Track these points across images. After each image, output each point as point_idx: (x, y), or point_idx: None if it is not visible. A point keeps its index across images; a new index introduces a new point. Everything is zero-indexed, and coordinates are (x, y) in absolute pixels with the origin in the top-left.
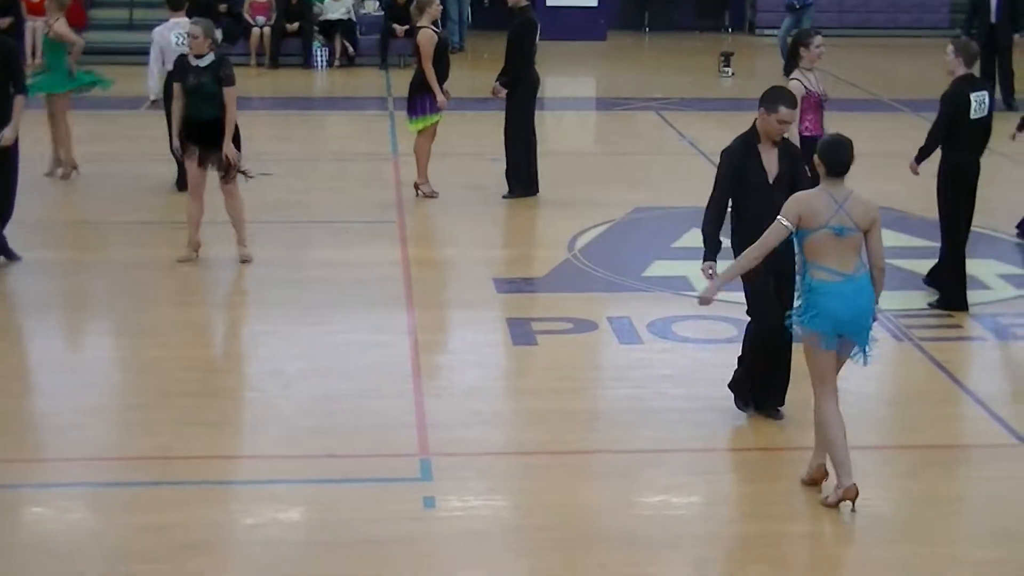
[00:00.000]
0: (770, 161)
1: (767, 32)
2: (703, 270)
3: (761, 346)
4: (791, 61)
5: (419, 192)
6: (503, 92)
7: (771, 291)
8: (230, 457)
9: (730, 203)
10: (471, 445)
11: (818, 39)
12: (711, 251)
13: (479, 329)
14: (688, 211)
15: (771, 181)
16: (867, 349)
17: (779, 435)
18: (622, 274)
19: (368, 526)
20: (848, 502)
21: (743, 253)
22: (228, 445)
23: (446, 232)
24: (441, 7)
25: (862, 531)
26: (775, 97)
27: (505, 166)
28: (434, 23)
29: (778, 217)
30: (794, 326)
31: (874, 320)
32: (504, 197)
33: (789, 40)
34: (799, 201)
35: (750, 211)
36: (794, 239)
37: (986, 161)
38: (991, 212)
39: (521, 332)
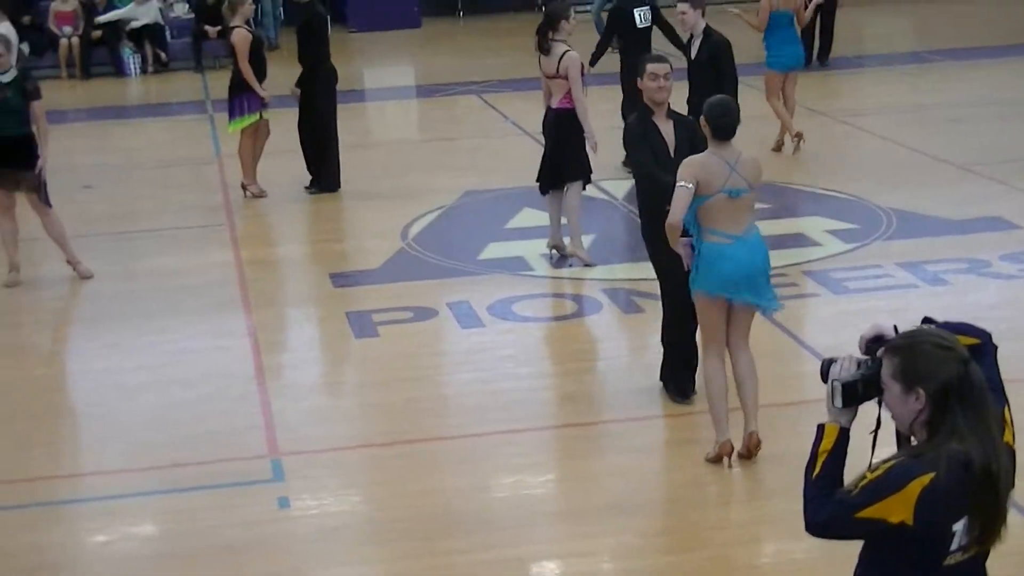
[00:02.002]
0: (668, 133)
1: (580, 8)
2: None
3: (679, 320)
4: (551, 32)
5: (247, 192)
6: (296, 93)
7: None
8: (75, 475)
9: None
10: (321, 442)
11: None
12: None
13: (319, 325)
14: (518, 191)
15: (672, 153)
16: (774, 304)
17: (630, 406)
18: (458, 259)
19: (223, 532)
20: (725, 458)
21: (666, 227)
22: (72, 463)
23: (278, 231)
24: (254, 5)
25: (714, 495)
26: (641, 63)
27: (308, 161)
28: (247, 21)
29: (678, 184)
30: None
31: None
32: (307, 190)
33: (603, 16)
34: (694, 165)
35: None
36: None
37: (802, 119)
38: (811, 170)
39: (362, 325)
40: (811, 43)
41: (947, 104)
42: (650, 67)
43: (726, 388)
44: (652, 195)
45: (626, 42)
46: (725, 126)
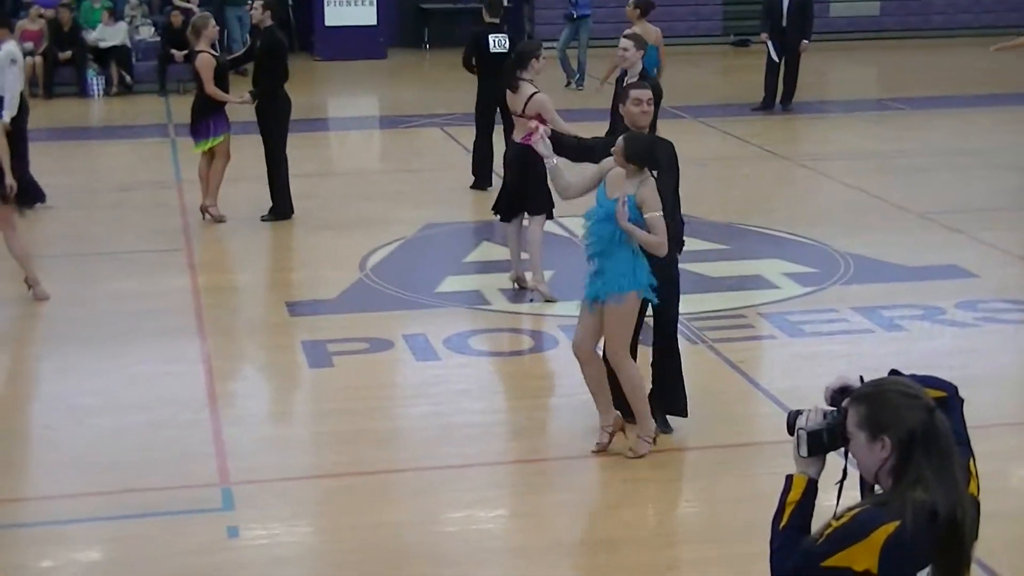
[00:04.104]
0: None
1: (547, 44)
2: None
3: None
4: (520, 71)
5: (207, 215)
6: (249, 99)
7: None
8: (23, 499)
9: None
10: (272, 471)
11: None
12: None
13: (274, 353)
14: (478, 226)
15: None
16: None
17: (582, 443)
18: (415, 291)
19: (171, 560)
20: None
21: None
22: (20, 487)
23: (236, 257)
24: (217, 29)
25: (665, 534)
26: (624, 89)
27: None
28: (212, 45)
29: (656, 214)
30: (612, 295)
31: None
32: (263, 219)
33: (567, 52)
34: (656, 190)
35: None
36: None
37: (763, 162)
38: (770, 212)
39: (317, 354)
40: (775, 87)
41: (909, 152)
42: (633, 93)
43: None
44: None
45: (480, 67)
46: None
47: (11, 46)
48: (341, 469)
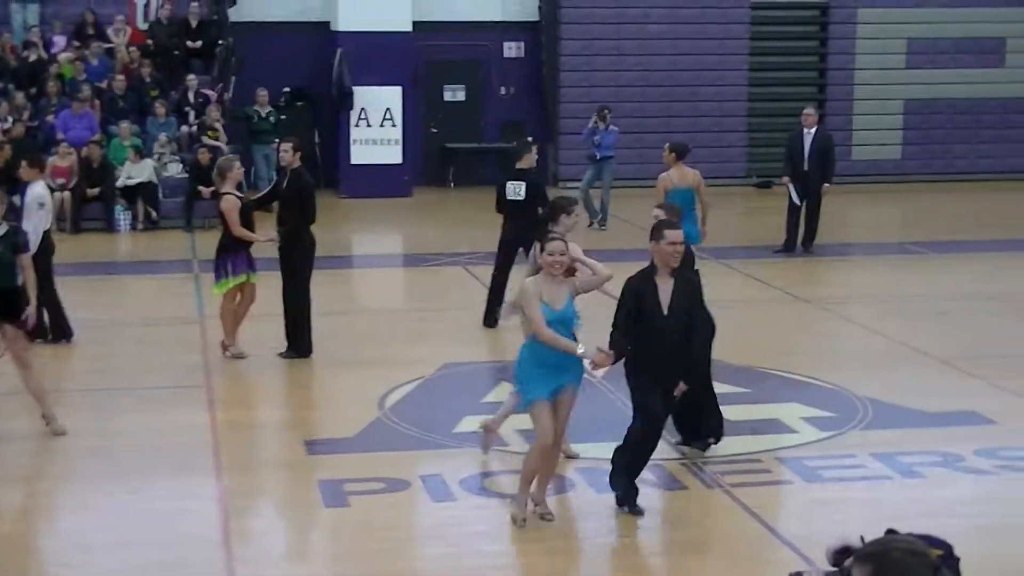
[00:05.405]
0: (665, 291)
1: (570, 184)
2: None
3: (642, 436)
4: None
5: (226, 352)
6: (275, 239)
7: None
8: None
9: None
10: None
11: (577, 208)
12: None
13: (290, 492)
14: (496, 366)
15: (665, 312)
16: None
17: None
18: (433, 431)
19: None
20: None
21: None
22: None
23: (255, 394)
24: (243, 171)
25: None
26: (657, 227)
27: (287, 326)
28: (237, 186)
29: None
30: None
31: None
32: (280, 356)
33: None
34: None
35: (642, 338)
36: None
37: (785, 304)
38: (791, 355)
39: (333, 493)
40: (796, 229)
41: (931, 296)
42: (668, 234)
43: None
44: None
45: (504, 211)
46: None
47: (40, 188)
48: None
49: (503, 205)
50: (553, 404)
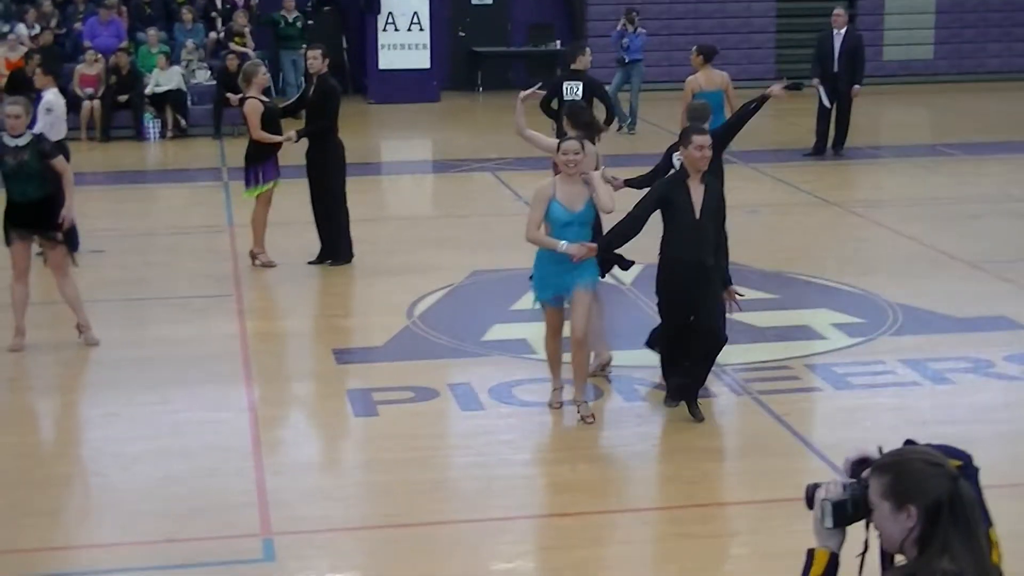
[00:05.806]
0: (697, 197)
1: None
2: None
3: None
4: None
5: (256, 261)
6: (294, 138)
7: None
8: (67, 548)
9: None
10: (314, 522)
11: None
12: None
13: (320, 402)
14: (526, 273)
15: (698, 216)
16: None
17: (626, 497)
18: (462, 339)
19: None
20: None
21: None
22: (65, 535)
23: (284, 303)
24: (268, 76)
25: None
26: (685, 132)
27: (324, 235)
28: (264, 91)
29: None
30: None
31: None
32: (331, 264)
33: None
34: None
35: (674, 242)
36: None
37: (814, 208)
38: (821, 261)
39: (362, 403)
40: (826, 132)
41: (961, 199)
42: (696, 138)
43: None
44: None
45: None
46: None
47: (50, 95)
48: (383, 521)
49: (555, 104)
50: (571, 302)
